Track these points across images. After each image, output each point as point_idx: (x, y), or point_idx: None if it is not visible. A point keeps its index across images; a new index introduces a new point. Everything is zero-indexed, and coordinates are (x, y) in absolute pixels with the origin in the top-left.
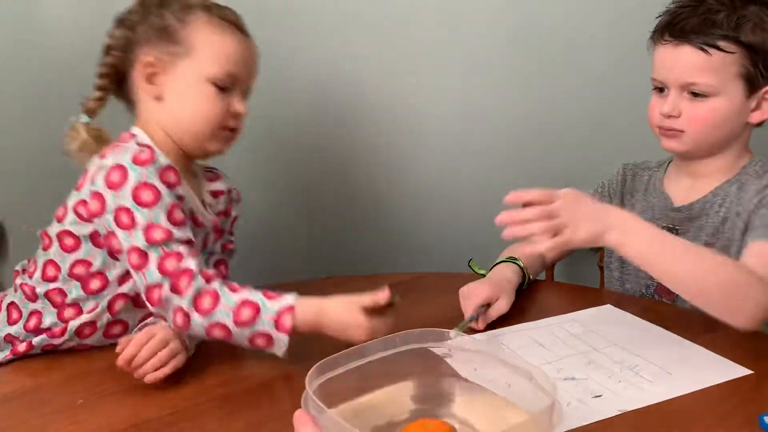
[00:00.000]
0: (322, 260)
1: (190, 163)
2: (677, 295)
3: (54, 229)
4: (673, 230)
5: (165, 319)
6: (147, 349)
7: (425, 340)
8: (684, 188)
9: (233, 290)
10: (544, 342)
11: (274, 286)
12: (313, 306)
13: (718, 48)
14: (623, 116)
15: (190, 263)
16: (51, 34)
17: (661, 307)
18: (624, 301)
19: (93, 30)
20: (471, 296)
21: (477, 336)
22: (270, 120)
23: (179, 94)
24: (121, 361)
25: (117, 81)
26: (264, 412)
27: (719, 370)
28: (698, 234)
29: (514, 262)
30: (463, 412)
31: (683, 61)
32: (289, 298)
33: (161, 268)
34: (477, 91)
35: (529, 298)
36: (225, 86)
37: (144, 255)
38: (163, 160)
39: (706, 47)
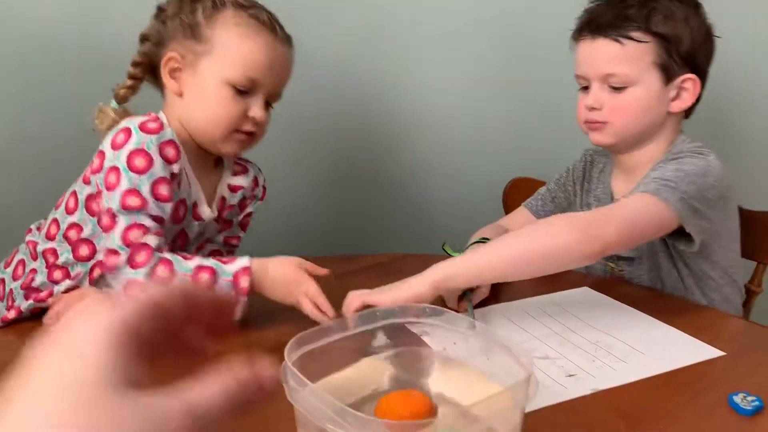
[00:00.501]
0: (316, 241)
1: (209, 157)
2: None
3: (71, 188)
4: None
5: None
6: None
7: (405, 316)
8: (621, 182)
9: (186, 258)
10: (520, 321)
11: None
12: (261, 265)
13: (632, 38)
14: None
15: (151, 240)
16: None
17: (638, 291)
18: (601, 285)
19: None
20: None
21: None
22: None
23: (197, 93)
24: (47, 318)
25: (150, 70)
26: None
27: (692, 351)
28: None
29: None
30: (439, 385)
31: (600, 53)
32: (244, 260)
33: (124, 237)
34: (463, 84)
35: None
36: (244, 90)
37: (114, 218)
38: (170, 135)
39: (620, 38)
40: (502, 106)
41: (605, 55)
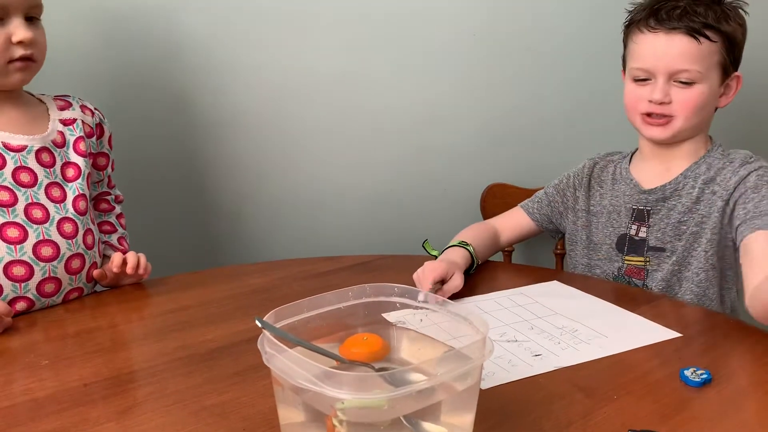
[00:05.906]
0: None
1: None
2: (647, 275)
3: None
4: (644, 211)
5: None
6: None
7: (376, 295)
8: (654, 173)
9: None
10: (490, 310)
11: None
12: None
13: (707, 37)
14: (597, 114)
15: None
16: None
17: (606, 284)
18: (571, 279)
19: None
20: (426, 272)
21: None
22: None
23: None
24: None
25: None
26: (223, 370)
27: (651, 333)
28: (670, 213)
29: (464, 247)
30: (408, 357)
31: (676, 48)
32: None
33: None
34: (442, 89)
35: (482, 276)
36: None
37: None
38: None
39: (697, 35)
40: (480, 113)
41: (681, 50)
